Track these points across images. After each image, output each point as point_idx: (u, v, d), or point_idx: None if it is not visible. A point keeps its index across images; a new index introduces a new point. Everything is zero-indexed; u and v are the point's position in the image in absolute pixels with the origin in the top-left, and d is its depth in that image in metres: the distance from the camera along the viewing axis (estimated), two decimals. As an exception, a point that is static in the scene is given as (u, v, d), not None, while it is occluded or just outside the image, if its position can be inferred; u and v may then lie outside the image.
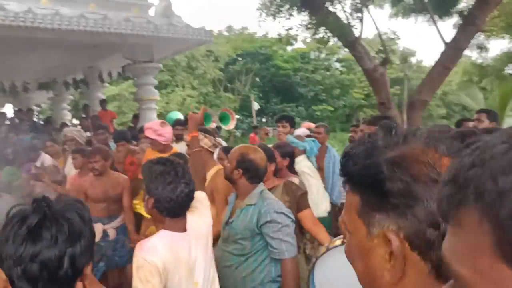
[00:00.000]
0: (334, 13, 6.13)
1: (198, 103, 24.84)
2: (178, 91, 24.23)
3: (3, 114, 9.92)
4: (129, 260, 4.13)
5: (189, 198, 2.03)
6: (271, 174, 3.22)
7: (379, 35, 6.96)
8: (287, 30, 7.10)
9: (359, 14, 6.55)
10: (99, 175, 4.13)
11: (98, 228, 4.08)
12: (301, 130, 5.61)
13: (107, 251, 4.11)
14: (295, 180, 3.60)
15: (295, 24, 7.29)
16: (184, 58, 23.38)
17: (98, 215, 3.98)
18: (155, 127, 4.63)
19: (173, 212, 2.00)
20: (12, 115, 9.90)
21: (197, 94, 25.15)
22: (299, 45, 32.81)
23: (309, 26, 6.62)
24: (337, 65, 34.81)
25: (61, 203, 1.20)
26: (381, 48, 6.83)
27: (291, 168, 3.90)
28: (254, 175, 2.59)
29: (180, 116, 13.22)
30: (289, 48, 32.94)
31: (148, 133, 4.64)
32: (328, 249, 2.15)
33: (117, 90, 22.07)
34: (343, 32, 6.17)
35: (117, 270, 4.26)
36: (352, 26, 6.48)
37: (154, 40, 8.68)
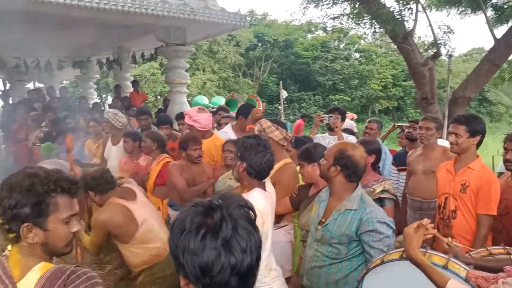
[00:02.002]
0: (384, 4, 5.94)
1: (217, 87, 24.74)
2: (198, 75, 24.10)
3: (40, 90, 9.90)
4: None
5: (272, 165, 2.64)
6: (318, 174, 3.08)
7: (431, 28, 6.76)
8: (333, 18, 6.93)
9: (412, 6, 6.35)
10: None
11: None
12: (348, 123, 5.50)
13: None
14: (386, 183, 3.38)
15: (336, 13, 7.07)
16: (206, 42, 23.20)
17: (183, 203, 3.95)
18: (191, 114, 4.60)
19: (260, 175, 2.57)
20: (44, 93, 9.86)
21: (217, 78, 25.01)
22: (319, 33, 32.53)
23: (355, 16, 6.43)
24: (357, 55, 34.39)
25: (232, 202, 1.14)
26: (433, 41, 6.65)
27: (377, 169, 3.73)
28: (353, 172, 2.48)
29: (205, 100, 13.17)
30: (309, 36, 32.62)
31: (186, 120, 4.65)
32: (382, 262, 2.11)
33: (139, 71, 22.00)
34: (397, 25, 5.98)
35: None
36: (405, 18, 6.30)
37: (188, 23, 8.55)
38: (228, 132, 4.92)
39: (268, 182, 2.73)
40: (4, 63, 9.59)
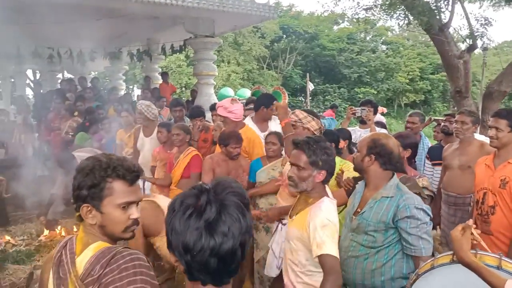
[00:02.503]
0: (418, -5, 5.83)
1: (242, 79, 24.75)
2: (223, 67, 24.18)
3: (72, 80, 10.10)
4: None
5: None
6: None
7: (468, 20, 6.57)
8: (365, 9, 6.82)
9: (448, -2, 6.20)
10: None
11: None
12: (378, 117, 5.44)
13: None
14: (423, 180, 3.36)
15: (369, 3, 6.95)
16: (231, 33, 23.22)
17: None
18: (226, 105, 4.60)
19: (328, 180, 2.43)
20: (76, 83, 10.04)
21: (242, 70, 25.03)
22: (345, 24, 32.11)
23: (388, 7, 6.31)
24: (384, 47, 33.85)
25: (224, 188, 1.19)
26: (469, 33, 6.48)
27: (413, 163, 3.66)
28: (387, 160, 2.46)
29: (231, 92, 13.19)
30: (335, 27, 32.25)
31: (220, 111, 4.62)
32: (433, 267, 2.04)
33: (165, 63, 22.21)
34: (433, 16, 5.85)
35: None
36: (442, 9, 6.15)
37: (217, 14, 8.55)
38: (249, 124, 4.94)
39: (327, 187, 2.58)
40: (39, 53, 9.81)
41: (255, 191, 3.92)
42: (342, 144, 3.86)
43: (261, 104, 4.72)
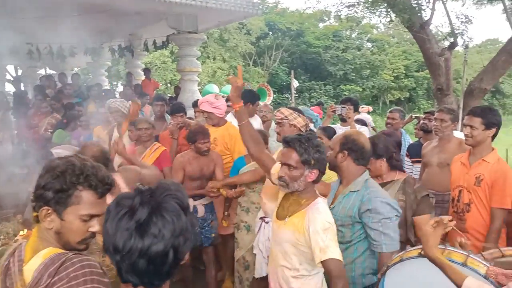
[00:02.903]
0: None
1: (228, 76, 24.67)
2: (209, 63, 24.03)
3: (51, 76, 9.92)
4: (214, 241, 4.19)
5: None
6: (386, 167, 2.98)
7: (449, 18, 6.62)
8: (347, 6, 6.82)
9: (429, -6, 6.24)
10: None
11: (189, 204, 4.01)
12: (364, 116, 5.45)
13: (196, 228, 4.04)
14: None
15: (352, 1, 6.94)
16: (216, 30, 23.07)
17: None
18: (211, 100, 4.54)
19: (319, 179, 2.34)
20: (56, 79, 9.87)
21: (227, 66, 24.91)
22: (331, 22, 32.16)
23: (371, 4, 6.31)
24: (369, 45, 34.01)
25: (163, 191, 1.18)
26: (450, 31, 6.52)
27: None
28: (360, 155, 2.51)
29: (216, 89, 13.13)
30: (321, 25, 32.30)
31: (204, 107, 4.56)
32: (402, 260, 2.10)
33: (149, 59, 21.98)
34: (414, 14, 5.87)
35: (212, 247, 4.24)
36: (422, 7, 6.18)
37: (200, 10, 8.49)
38: (232, 121, 4.90)
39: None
40: (17, 49, 9.60)
41: (231, 181, 3.88)
42: None
43: (247, 101, 4.68)
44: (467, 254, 1.96)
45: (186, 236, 1.17)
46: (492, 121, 3.03)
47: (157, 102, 5.68)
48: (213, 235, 4.15)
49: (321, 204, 2.29)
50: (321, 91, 29.16)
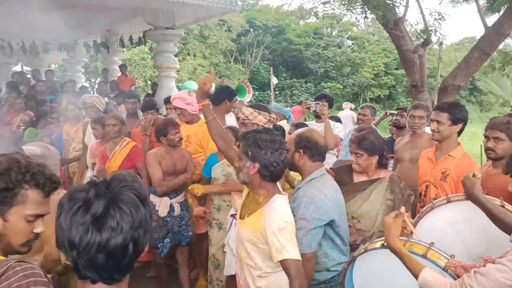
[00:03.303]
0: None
1: (208, 73, 24.53)
2: (189, 60, 23.88)
3: (23, 73, 9.70)
4: (190, 240, 4.14)
5: (287, 164, 2.36)
6: (375, 165, 2.96)
7: (422, 15, 6.68)
8: (323, 3, 6.82)
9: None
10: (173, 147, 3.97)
11: (166, 202, 3.96)
12: (346, 112, 5.49)
13: (173, 226, 3.99)
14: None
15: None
16: (197, 26, 22.94)
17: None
18: (184, 96, 4.46)
19: (276, 176, 2.28)
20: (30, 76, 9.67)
21: (208, 63, 24.79)
22: (312, 19, 32.28)
23: (347, 1, 6.33)
24: (349, 42, 34.27)
25: (119, 182, 1.14)
26: (424, 28, 6.59)
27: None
28: (315, 151, 2.54)
29: (195, 85, 13.03)
30: (301, 22, 32.38)
31: (177, 103, 4.46)
32: (366, 250, 2.17)
33: (128, 55, 21.72)
34: (388, 10, 5.91)
35: (187, 246, 4.18)
36: (396, 4, 6.23)
37: (177, 5, 8.39)
38: (229, 121, 4.85)
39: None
40: (-13, 44, 9.38)
41: (217, 190, 3.74)
42: None
43: (225, 98, 4.55)
44: (428, 246, 2.00)
45: (146, 228, 1.13)
46: (458, 117, 3.06)
47: (129, 100, 5.60)
48: (190, 233, 4.11)
49: (277, 202, 2.24)
50: (302, 89, 29.29)
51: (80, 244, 1.05)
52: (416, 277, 1.77)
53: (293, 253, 2.11)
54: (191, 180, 4.08)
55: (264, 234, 2.17)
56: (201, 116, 4.78)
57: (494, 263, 1.61)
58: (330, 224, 2.48)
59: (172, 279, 4.41)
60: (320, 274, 2.58)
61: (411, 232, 2.04)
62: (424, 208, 2.49)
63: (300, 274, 2.10)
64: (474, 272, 1.62)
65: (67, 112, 5.67)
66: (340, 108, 28.27)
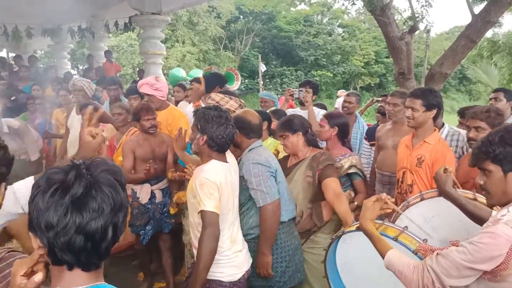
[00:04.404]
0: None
1: (197, 60, 24.32)
2: (178, 47, 23.64)
3: (3, 58, 9.50)
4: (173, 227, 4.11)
5: (233, 137, 2.60)
6: (303, 142, 3.18)
7: (409, 1, 6.62)
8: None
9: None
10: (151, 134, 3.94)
11: (146, 189, 3.91)
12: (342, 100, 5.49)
13: (155, 213, 3.96)
14: (352, 158, 3.43)
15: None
16: (185, 12, 22.66)
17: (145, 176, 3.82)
18: (151, 82, 4.35)
19: (222, 147, 2.55)
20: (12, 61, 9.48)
21: (197, 51, 24.58)
22: (302, 7, 32.08)
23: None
24: (340, 30, 34.16)
25: (99, 166, 1.13)
26: (411, 15, 6.54)
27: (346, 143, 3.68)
28: (249, 129, 2.84)
29: (183, 73, 12.95)
30: (292, 9, 32.19)
31: (144, 89, 4.34)
32: (343, 233, 2.27)
33: (116, 42, 21.44)
34: (374, -5, 5.86)
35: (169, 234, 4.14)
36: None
37: (163, -10, 8.28)
38: (185, 109, 4.79)
39: (229, 154, 2.71)
40: (-31, 29, 9.17)
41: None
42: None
43: (216, 84, 4.48)
44: (401, 229, 2.04)
45: (124, 213, 1.13)
46: (432, 103, 3.06)
47: (111, 86, 5.51)
48: (172, 220, 4.07)
49: (208, 164, 2.52)
50: (292, 77, 29.23)
51: (59, 225, 1.03)
52: (382, 257, 1.84)
53: (208, 206, 2.38)
54: (171, 164, 4.03)
55: (194, 190, 2.45)
56: (170, 103, 4.71)
57: None
58: (275, 177, 2.77)
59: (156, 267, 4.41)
60: (255, 230, 2.80)
61: (394, 211, 2.11)
62: (399, 207, 2.49)
63: (211, 224, 2.37)
64: (437, 254, 1.70)
65: (58, 98, 5.59)
66: (330, 97, 28.36)
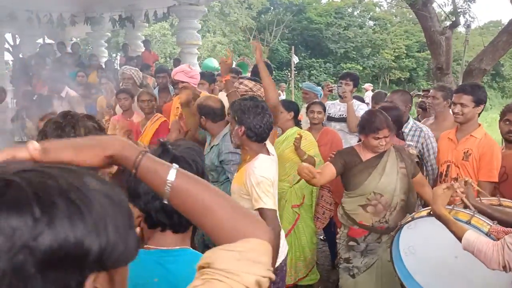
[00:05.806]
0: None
1: (226, 52, 24.42)
2: (209, 37, 23.81)
3: (50, 45, 9.84)
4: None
5: (271, 127, 2.60)
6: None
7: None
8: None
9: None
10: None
11: None
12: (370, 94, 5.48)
13: None
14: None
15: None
16: (217, 3, 22.76)
17: None
18: (186, 70, 4.42)
19: (261, 137, 2.55)
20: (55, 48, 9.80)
21: (228, 41, 24.70)
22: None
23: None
24: (371, 23, 33.65)
25: (180, 147, 1.30)
26: (452, 10, 6.48)
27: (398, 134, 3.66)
28: (213, 114, 3.22)
29: (215, 63, 13.08)
30: (323, 1, 31.89)
31: (179, 77, 4.38)
32: (413, 219, 2.32)
33: (149, 31, 21.76)
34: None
35: None
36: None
37: (201, -19, 8.41)
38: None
39: (269, 144, 2.76)
40: (16, 16, 9.52)
41: None
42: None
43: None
44: (472, 214, 2.11)
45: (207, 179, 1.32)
46: (481, 98, 3.09)
47: (159, 74, 5.63)
48: None
49: (259, 160, 2.52)
50: (321, 69, 29.02)
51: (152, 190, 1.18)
52: (460, 239, 1.88)
53: (267, 204, 2.40)
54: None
55: (246, 187, 2.49)
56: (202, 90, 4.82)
57: None
58: None
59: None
60: None
61: (463, 202, 2.17)
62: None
63: (272, 221, 2.38)
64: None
65: (99, 86, 5.81)
66: (359, 90, 28.04)
